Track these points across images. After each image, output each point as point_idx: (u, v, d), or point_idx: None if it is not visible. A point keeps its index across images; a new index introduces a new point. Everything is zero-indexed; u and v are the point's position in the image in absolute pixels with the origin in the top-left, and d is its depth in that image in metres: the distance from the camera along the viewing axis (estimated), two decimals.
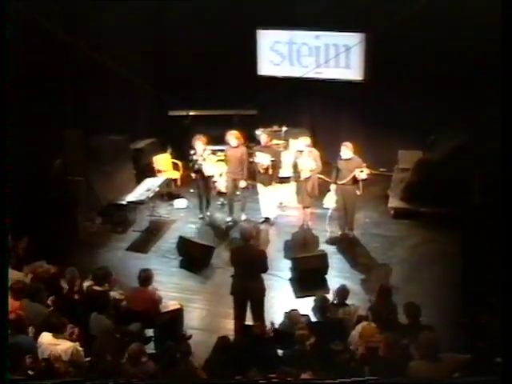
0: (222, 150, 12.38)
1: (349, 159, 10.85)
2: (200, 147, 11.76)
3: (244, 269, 8.62)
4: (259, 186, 11.92)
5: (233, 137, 11.68)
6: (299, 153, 11.38)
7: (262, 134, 12.28)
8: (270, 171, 11.62)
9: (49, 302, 7.93)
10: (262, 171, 11.64)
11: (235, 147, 11.71)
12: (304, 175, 11.18)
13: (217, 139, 12.37)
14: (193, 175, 12.09)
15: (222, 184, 12.43)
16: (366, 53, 13.26)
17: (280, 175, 12.15)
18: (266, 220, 12.09)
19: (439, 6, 10.95)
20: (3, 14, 5.30)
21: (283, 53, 14.21)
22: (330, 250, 10.91)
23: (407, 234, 11.60)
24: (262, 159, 11.57)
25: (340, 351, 7.04)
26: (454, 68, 12.12)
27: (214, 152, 12.09)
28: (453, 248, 10.59)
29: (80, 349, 6.84)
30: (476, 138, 11.33)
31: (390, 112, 13.03)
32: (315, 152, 11.35)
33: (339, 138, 12.45)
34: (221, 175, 12.35)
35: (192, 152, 11.81)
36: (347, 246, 11.22)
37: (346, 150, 10.84)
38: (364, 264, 10.69)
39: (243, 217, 12.17)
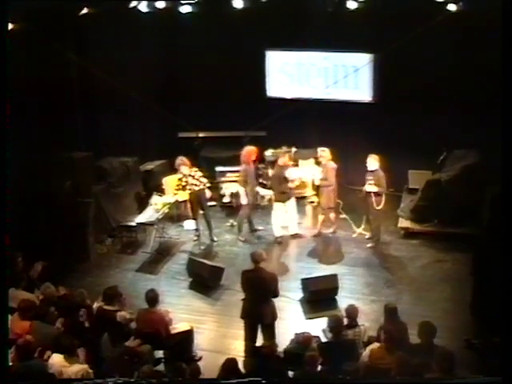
0: (233, 171, 12.42)
1: (373, 171, 11.21)
2: (186, 171, 11.71)
3: (255, 292, 8.53)
4: (276, 205, 11.89)
5: (253, 152, 11.93)
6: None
7: (284, 155, 12.25)
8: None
9: (58, 324, 7.93)
10: (293, 186, 11.83)
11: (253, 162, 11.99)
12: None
13: (226, 161, 12.38)
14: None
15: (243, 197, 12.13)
16: (375, 73, 13.30)
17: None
18: (279, 239, 12.04)
19: (448, 26, 10.99)
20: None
21: (292, 74, 14.25)
22: (341, 270, 10.87)
23: (417, 254, 11.53)
24: (294, 173, 11.84)
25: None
26: (463, 88, 12.10)
27: (222, 173, 12.06)
28: (463, 268, 10.54)
29: (90, 371, 6.84)
30: (486, 158, 11.32)
31: (399, 132, 13.01)
32: (328, 166, 11.59)
33: (348, 158, 12.49)
34: (232, 195, 12.24)
35: (180, 176, 11.77)
36: (358, 266, 11.19)
37: (373, 162, 11.22)
38: (375, 284, 10.64)
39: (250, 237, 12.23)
